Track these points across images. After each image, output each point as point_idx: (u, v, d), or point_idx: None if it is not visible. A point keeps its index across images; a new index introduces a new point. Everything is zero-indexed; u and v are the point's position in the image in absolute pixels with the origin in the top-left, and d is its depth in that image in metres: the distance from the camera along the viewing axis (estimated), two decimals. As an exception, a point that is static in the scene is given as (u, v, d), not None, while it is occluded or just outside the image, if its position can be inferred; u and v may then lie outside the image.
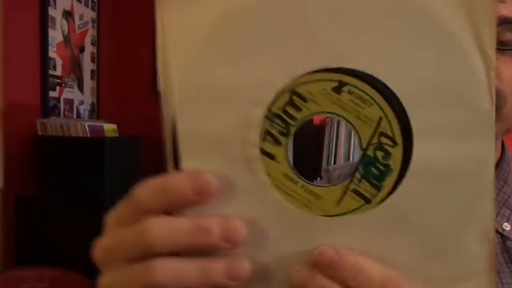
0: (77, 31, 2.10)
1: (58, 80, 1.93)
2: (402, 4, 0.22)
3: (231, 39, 0.23)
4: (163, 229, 0.23)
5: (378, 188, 0.23)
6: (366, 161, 0.23)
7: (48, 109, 1.84)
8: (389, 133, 0.22)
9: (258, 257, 0.24)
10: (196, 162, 0.23)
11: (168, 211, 0.24)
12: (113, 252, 0.25)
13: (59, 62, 1.93)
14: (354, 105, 0.22)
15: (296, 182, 0.23)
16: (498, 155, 0.52)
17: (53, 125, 1.69)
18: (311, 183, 0.24)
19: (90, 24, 2.22)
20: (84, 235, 1.83)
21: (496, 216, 0.48)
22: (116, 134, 1.89)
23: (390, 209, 0.23)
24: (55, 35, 1.90)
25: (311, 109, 0.23)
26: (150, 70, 2.52)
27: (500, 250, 0.48)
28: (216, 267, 0.23)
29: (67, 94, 2.00)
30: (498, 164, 0.51)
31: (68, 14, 2.01)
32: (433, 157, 0.22)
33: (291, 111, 0.23)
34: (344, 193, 0.23)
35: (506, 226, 0.49)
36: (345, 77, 0.22)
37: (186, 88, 0.23)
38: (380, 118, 0.22)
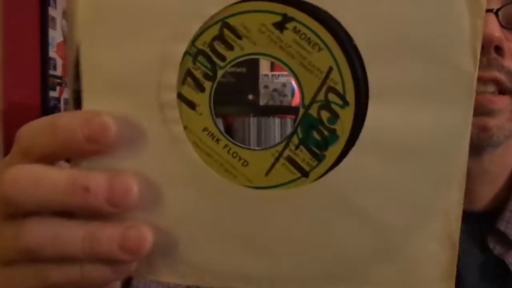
0: (77, 31, 2.10)
1: (58, 80, 1.93)
2: None
3: None
4: (30, 179, 0.18)
5: (319, 158, 0.18)
6: (308, 123, 0.18)
7: (48, 109, 1.84)
8: (339, 88, 0.18)
9: (160, 226, 0.19)
10: (100, 103, 0.19)
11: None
12: None
13: (59, 62, 1.93)
14: (299, 48, 0.18)
15: (218, 140, 0.19)
16: None
17: (53, 125, 1.69)
18: (236, 143, 0.19)
19: (90, 24, 2.22)
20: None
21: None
22: (116, 134, 1.89)
23: (330, 187, 0.18)
24: (55, 35, 1.90)
25: (244, 49, 0.19)
26: (150, 70, 2.52)
27: None
28: (107, 234, 0.18)
29: (67, 94, 2.00)
30: None
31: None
32: (391, 124, 0.18)
33: (220, 48, 0.19)
34: (276, 160, 0.19)
35: None
36: (292, 10, 0.17)
37: (94, 8, 0.18)
38: (330, 68, 0.18)
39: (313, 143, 0.18)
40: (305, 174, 0.19)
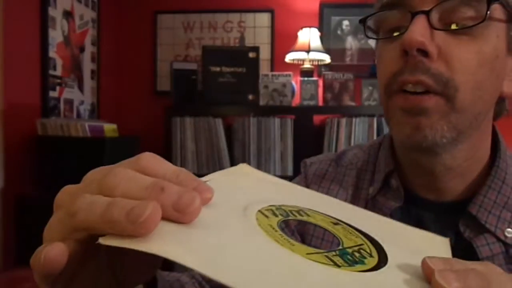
0: (77, 31, 2.10)
1: (58, 80, 1.93)
2: None
3: None
4: (126, 175, 0.24)
5: (351, 265, 0.24)
6: (343, 252, 0.25)
7: (48, 109, 1.85)
8: (367, 251, 0.26)
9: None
10: None
11: None
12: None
13: (59, 62, 1.93)
14: (344, 232, 0.27)
15: (276, 231, 0.25)
16: (488, 152, 0.47)
17: (53, 125, 1.69)
18: (289, 236, 0.25)
19: (90, 24, 2.23)
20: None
21: (497, 222, 0.44)
22: (116, 134, 1.89)
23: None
24: (55, 35, 1.90)
25: (309, 220, 0.27)
26: (150, 70, 2.52)
27: (503, 260, 0.43)
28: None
29: (67, 94, 2.00)
30: (494, 162, 0.46)
31: (68, 14, 2.01)
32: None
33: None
34: (317, 252, 0.24)
35: (509, 232, 0.44)
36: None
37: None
38: (362, 244, 0.26)
39: (347, 259, 0.24)
40: (338, 266, 0.24)
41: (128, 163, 0.25)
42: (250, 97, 2.03)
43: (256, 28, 2.46)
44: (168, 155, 2.05)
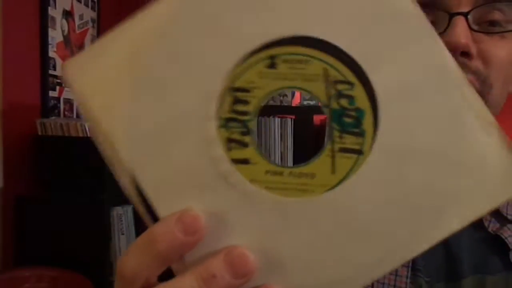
0: (77, 31, 2.10)
1: (58, 80, 1.93)
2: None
3: (152, 73, 0.22)
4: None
5: (361, 134, 0.21)
6: (336, 115, 0.22)
7: (48, 109, 1.84)
8: (340, 78, 0.21)
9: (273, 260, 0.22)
10: (172, 205, 0.22)
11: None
12: None
13: (59, 62, 1.93)
14: (295, 70, 0.21)
15: (282, 173, 0.22)
16: None
17: (53, 125, 1.69)
18: (295, 166, 0.22)
19: (90, 24, 2.22)
20: (84, 235, 1.83)
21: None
22: (116, 134, 1.89)
23: (384, 151, 0.21)
24: (55, 35, 1.90)
25: (258, 96, 0.22)
26: (150, 70, 2.52)
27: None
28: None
29: (67, 94, 2.00)
30: None
31: (68, 14, 2.01)
32: (395, 78, 0.21)
33: (240, 108, 0.22)
34: (333, 157, 0.22)
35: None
36: (273, 50, 0.21)
37: (131, 141, 0.22)
38: (325, 69, 0.21)
39: (350, 126, 0.22)
40: (359, 152, 0.22)
41: None
42: (250, 97, 2.03)
43: (256, 28, 2.46)
44: (168, 155, 2.04)
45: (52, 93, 1.88)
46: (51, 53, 1.87)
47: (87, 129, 1.70)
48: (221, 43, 0.21)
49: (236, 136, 0.22)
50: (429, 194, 0.22)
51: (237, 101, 0.22)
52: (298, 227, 0.22)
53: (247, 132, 0.22)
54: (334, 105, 0.22)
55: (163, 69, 0.22)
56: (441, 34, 0.42)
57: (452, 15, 0.42)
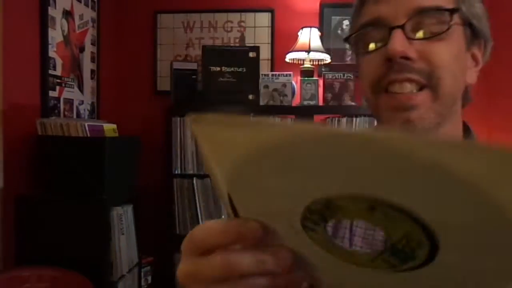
0: (77, 31, 2.10)
1: (58, 80, 1.93)
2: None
3: (265, 167, 0.25)
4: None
5: (403, 262, 0.25)
6: (394, 251, 0.25)
7: (48, 109, 1.84)
8: (415, 243, 0.24)
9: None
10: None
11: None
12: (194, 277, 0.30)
13: (59, 62, 1.93)
14: (385, 220, 0.24)
15: (333, 245, 0.27)
16: (461, 134, 0.55)
17: (53, 125, 1.69)
18: (348, 248, 0.28)
19: (90, 24, 2.22)
20: (84, 235, 1.83)
21: None
22: (116, 134, 1.89)
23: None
24: (55, 35, 1.90)
25: (345, 215, 0.26)
26: (150, 70, 2.52)
27: None
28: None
29: (67, 94, 2.00)
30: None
31: (68, 14, 2.01)
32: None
33: (318, 217, 0.26)
34: (376, 257, 0.26)
35: None
36: (378, 201, 0.23)
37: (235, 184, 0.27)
38: (407, 232, 0.24)
39: (400, 258, 0.25)
40: (394, 268, 0.26)
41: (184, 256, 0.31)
42: (250, 97, 2.03)
43: (256, 28, 2.46)
44: (168, 155, 2.05)
45: (52, 93, 1.87)
46: (51, 53, 1.87)
47: (87, 129, 1.70)
48: (339, 173, 0.23)
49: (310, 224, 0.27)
50: None
51: (326, 210, 0.25)
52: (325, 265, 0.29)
53: (319, 224, 0.26)
54: (399, 246, 0.25)
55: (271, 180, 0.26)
56: (384, 46, 0.50)
57: (391, 29, 0.50)
